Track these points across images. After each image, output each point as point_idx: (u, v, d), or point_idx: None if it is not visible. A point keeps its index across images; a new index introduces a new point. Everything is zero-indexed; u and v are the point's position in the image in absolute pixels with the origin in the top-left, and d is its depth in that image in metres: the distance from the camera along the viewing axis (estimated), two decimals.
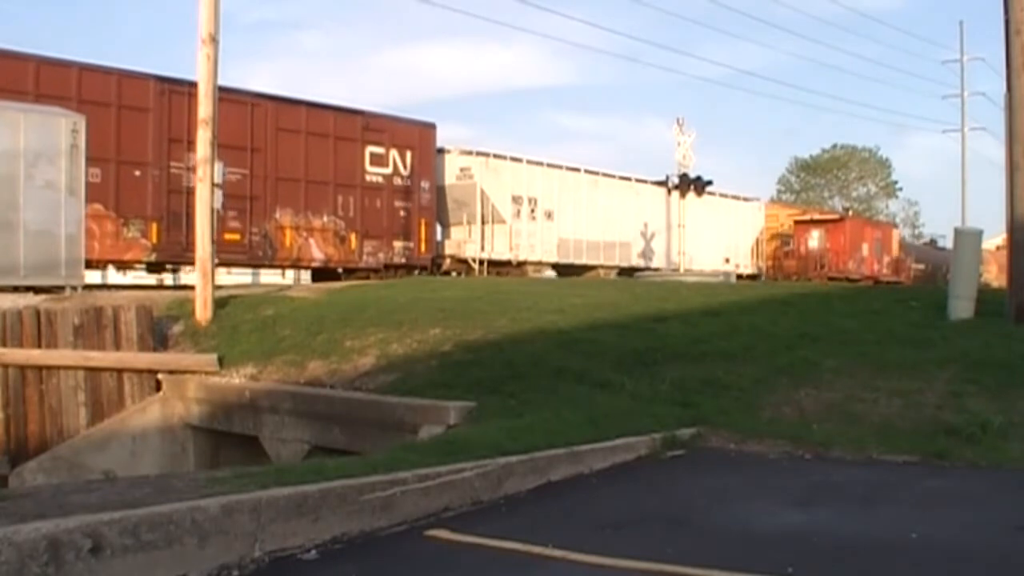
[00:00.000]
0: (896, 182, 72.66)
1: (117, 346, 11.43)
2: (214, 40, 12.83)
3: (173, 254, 18.77)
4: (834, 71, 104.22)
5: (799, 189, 71.93)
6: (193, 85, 18.30)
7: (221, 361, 11.18)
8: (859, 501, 5.84)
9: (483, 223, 24.88)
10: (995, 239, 34.31)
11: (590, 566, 4.48)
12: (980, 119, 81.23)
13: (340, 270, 21.76)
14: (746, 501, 5.92)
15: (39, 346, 11.02)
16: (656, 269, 29.87)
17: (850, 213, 49.03)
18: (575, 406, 8.21)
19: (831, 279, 32.82)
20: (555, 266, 27.54)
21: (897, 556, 4.65)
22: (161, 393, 11.24)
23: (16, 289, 12.99)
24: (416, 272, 23.01)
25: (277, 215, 20.53)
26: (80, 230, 14.02)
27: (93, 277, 18.10)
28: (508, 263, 25.83)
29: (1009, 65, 10.59)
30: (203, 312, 12.66)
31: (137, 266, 19.17)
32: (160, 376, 11.27)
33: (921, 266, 41.47)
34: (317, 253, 21.35)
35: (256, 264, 21.30)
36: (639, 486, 6.44)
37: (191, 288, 13.80)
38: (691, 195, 32.48)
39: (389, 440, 8.24)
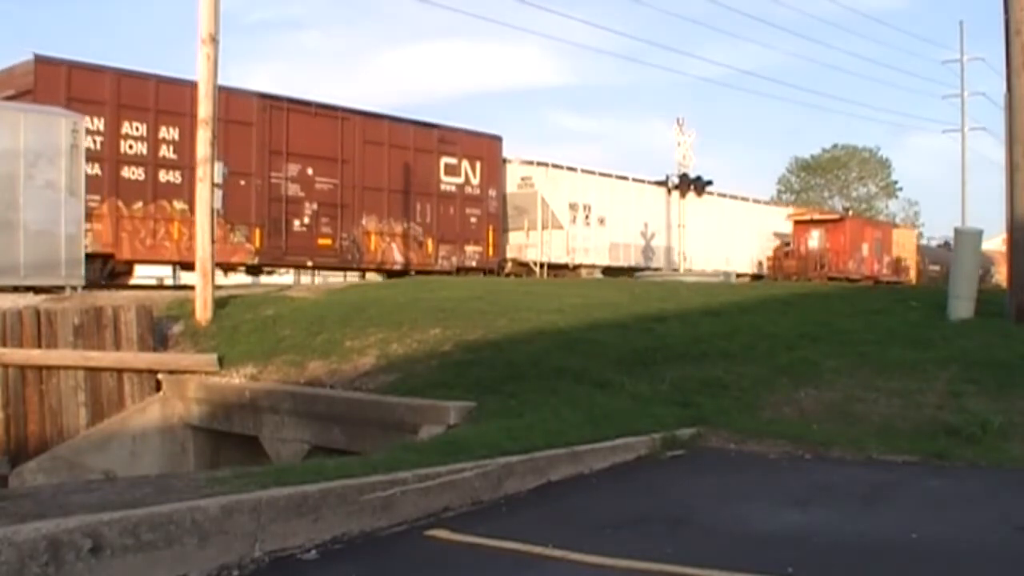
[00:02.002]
0: (896, 182, 72.69)
1: (117, 346, 11.42)
2: (214, 40, 12.81)
3: (273, 257, 20.53)
4: (834, 71, 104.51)
5: (799, 189, 71.90)
6: (291, 101, 20.85)
7: (221, 361, 11.18)
8: (859, 501, 5.83)
9: (542, 228, 26.48)
10: (997, 239, 34.25)
11: (590, 566, 4.48)
12: (980, 119, 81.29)
13: (412, 272, 22.94)
14: (746, 501, 5.91)
15: (39, 346, 11.01)
16: (702, 271, 30.90)
17: (850, 213, 48.97)
18: (575, 406, 8.21)
19: (831, 279, 32.77)
20: (605, 269, 28.95)
21: (897, 556, 4.65)
22: (161, 393, 11.23)
23: (16, 289, 12.98)
24: (483, 274, 24.35)
25: (364, 222, 22.11)
26: (80, 230, 14.01)
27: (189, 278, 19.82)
28: (565, 266, 27.57)
29: (1009, 65, 10.58)
30: (203, 312, 12.65)
31: (240, 268, 20.72)
32: (160, 376, 11.27)
33: (936, 267, 41.31)
34: (398, 257, 22.86)
35: (345, 267, 22.71)
36: (639, 486, 6.44)
37: (191, 288, 13.80)
38: (727, 200, 34.28)
39: (389, 440, 8.23)
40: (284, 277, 23.15)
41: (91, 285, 16.59)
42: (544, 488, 6.22)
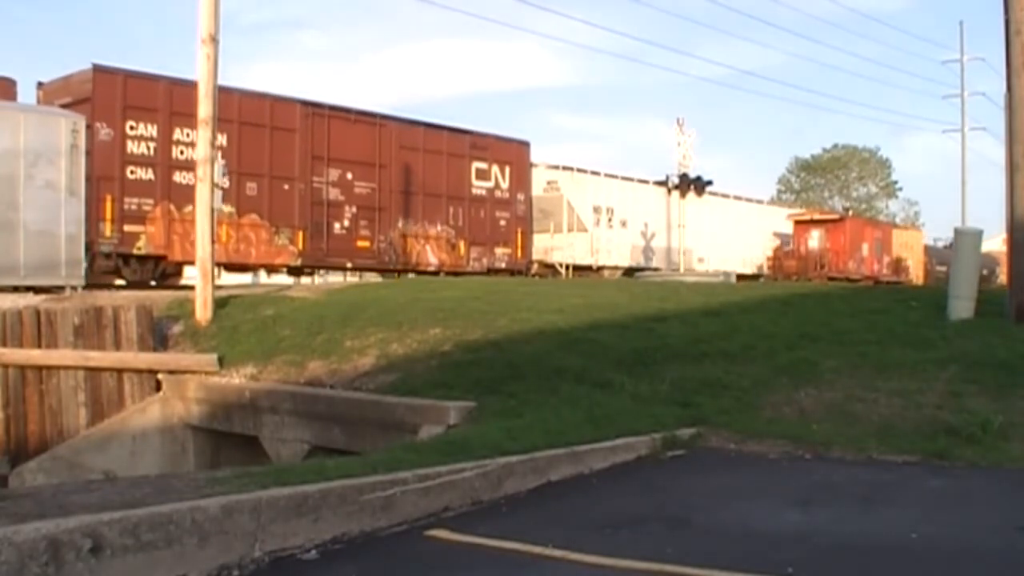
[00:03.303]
0: (896, 182, 72.71)
1: (117, 346, 11.41)
2: (214, 40, 12.79)
3: (315, 259, 21.14)
4: (834, 71, 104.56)
5: (799, 189, 71.93)
6: (332, 108, 21.50)
7: (221, 361, 11.17)
8: (859, 501, 5.83)
9: (568, 231, 27.22)
10: (997, 239, 34.23)
11: (590, 566, 4.48)
12: (980, 119, 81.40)
13: (442, 273, 23.38)
14: (746, 501, 5.91)
15: (39, 346, 11.01)
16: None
17: (850, 213, 48.96)
18: (575, 406, 8.21)
19: (831, 279, 32.76)
20: (626, 271, 29.53)
21: (897, 556, 4.65)
22: (161, 393, 11.23)
23: (16, 289, 12.99)
24: (511, 275, 24.79)
25: (400, 224, 22.69)
26: (80, 230, 14.01)
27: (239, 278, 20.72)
28: (589, 268, 28.33)
29: (1009, 65, 10.58)
30: (203, 312, 12.64)
31: (282, 269, 21.38)
32: (160, 376, 11.27)
33: (943, 268, 41.27)
34: (432, 259, 23.45)
35: (383, 269, 23.16)
36: (639, 486, 6.44)
37: (191, 288, 13.80)
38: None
39: (389, 440, 8.24)
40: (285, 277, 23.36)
41: (143, 285, 17.29)
42: (544, 488, 6.22)
